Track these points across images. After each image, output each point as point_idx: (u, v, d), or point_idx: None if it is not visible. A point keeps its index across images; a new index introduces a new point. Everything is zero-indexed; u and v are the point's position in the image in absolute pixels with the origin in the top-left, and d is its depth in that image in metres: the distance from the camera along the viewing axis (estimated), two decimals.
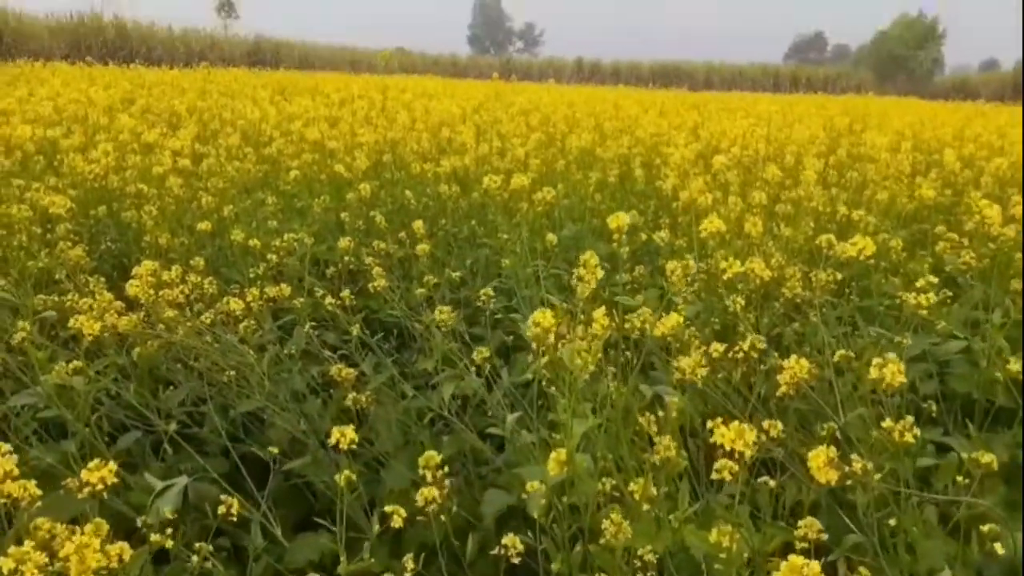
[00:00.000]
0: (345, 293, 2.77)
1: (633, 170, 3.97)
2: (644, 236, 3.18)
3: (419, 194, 3.87)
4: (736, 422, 1.17)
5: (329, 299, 2.68)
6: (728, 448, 1.15)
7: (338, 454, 2.70)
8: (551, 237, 2.68)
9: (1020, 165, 4.23)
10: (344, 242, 2.80)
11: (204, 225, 3.15)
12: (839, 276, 2.52)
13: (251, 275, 3.14)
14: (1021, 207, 3.41)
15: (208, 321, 2.56)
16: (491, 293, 2.41)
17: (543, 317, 1.26)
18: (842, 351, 1.64)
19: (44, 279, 2.99)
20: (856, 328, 2.46)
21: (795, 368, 1.63)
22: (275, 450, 2.21)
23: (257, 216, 3.52)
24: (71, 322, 2.36)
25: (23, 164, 3.61)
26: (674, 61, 50.01)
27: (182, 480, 2.08)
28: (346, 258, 2.83)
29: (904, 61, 48.60)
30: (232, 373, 2.44)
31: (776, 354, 2.06)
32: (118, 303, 2.71)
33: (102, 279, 2.98)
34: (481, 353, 2.38)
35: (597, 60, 49.86)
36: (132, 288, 2.59)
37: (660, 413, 1.54)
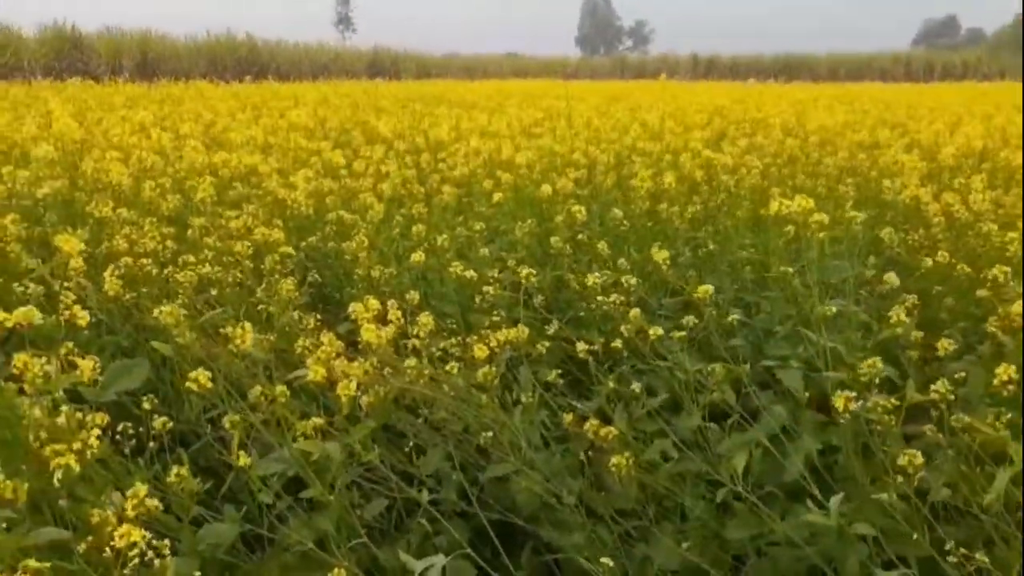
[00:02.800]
0: (591, 345, 2.41)
1: (875, 179, 3.47)
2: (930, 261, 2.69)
3: (628, 213, 3.50)
4: None
5: (581, 345, 2.33)
6: None
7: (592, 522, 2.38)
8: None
9: None
10: (593, 278, 2.45)
11: (418, 256, 2.89)
12: None
13: (475, 309, 2.86)
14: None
15: (454, 371, 2.26)
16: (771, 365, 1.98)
17: None
18: None
19: (257, 316, 2.80)
20: None
21: None
22: None
23: (461, 243, 3.24)
24: (311, 375, 2.11)
25: (219, 191, 3.46)
26: (796, 53, 47.82)
27: (439, 560, 1.80)
28: (599, 297, 2.47)
29: None
30: (489, 435, 2.13)
31: None
32: (338, 344, 2.48)
33: (318, 317, 2.76)
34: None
35: (714, 55, 48.28)
36: (367, 333, 2.33)
37: None
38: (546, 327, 2.93)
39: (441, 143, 4.49)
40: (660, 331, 2.09)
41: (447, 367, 2.27)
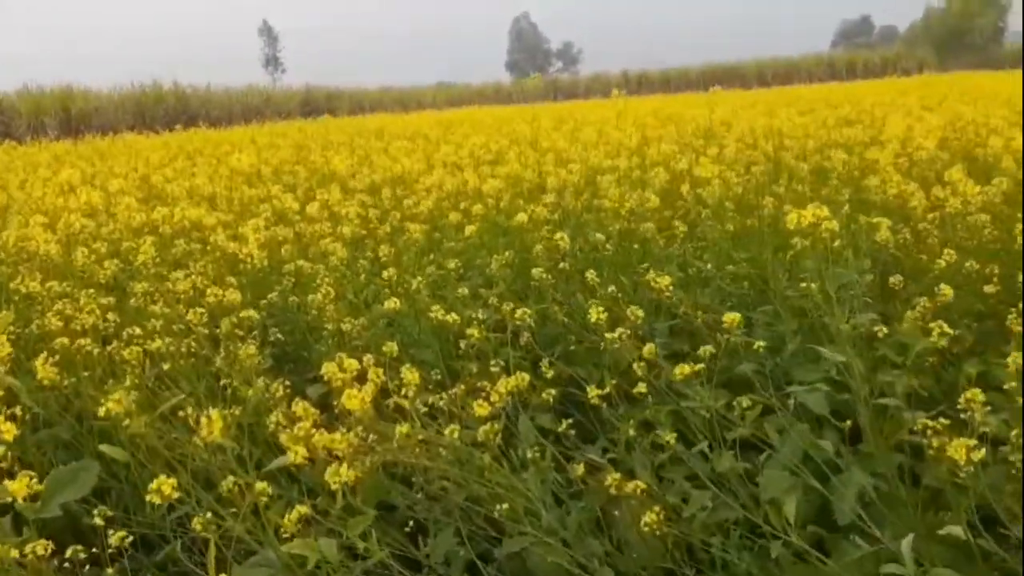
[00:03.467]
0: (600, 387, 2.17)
1: (856, 179, 3.33)
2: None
3: (609, 234, 3.29)
4: None
5: (595, 391, 2.09)
6: None
7: None
8: None
9: None
10: (596, 312, 2.21)
11: (391, 303, 2.62)
12: None
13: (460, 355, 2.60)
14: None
15: (454, 433, 2.00)
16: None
17: None
18: None
19: (217, 390, 2.49)
20: None
21: None
22: None
23: (435, 282, 2.99)
24: (291, 457, 1.83)
25: (161, 251, 3.14)
26: (723, 62, 48.94)
27: None
28: (607, 334, 2.22)
29: (965, 34, 46.69)
30: (504, 506, 1.87)
31: None
32: (313, 412, 2.19)
33: (286, 382, 2.46)
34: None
35: (643, 71, 49.07)
36: (350, 401, 2.05)
37: None
38: (538, 367, 2.68)
39: (400, 178, 4.22)
40: (686, 369, 1.85)
41: (447, 429, 2.00)
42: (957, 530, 1.76)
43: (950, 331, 1.93)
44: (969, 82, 16.02)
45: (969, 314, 3.05)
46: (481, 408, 2.05)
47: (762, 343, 2.07)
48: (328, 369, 2.27)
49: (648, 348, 2.06)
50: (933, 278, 2.60)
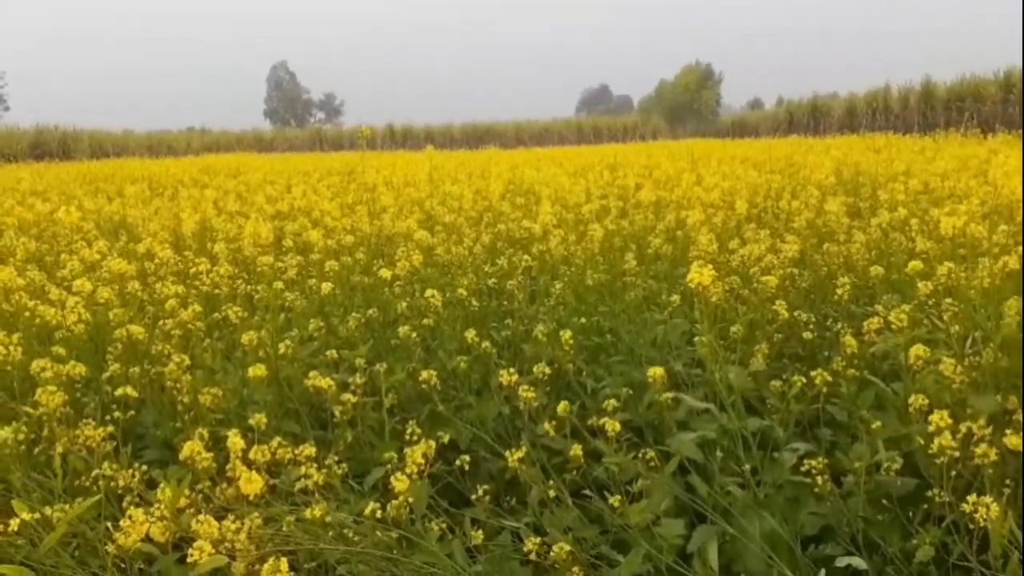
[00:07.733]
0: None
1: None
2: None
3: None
4: None
5: (514, 456, 2.03)
6: None
7: None
8: None
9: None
10: (506, 375, 2.16)
11: (258, 370, 2.40)
12: None
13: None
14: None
15: (375, 513, 1.84)
16: None
17: None
18: None
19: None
20: None
21: None
22: None
23: (301, 343, 2.78)
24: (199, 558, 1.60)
25: None
26: (482, 121, 51.06)
27: None
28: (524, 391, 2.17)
29: (691, 106, 53.10)
30: None
31: None
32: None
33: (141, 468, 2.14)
34: None
35: (408, 125, 49.89)
36: (250, 486, 1.84)
37: None
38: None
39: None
40: (616, 425, 1.87)
41: (368, 509, 1.85)
42: (858, 560, 1.91)
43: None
44: (705, 146, 18.21)
45: (794, 358, 3.40)
46: (400, 482, 1.92)
47: (669, 395, 2.14)
48: (190, 449, 2.05)
49: (563, 406, 2.06)
50: (774, 328, 2.86)
